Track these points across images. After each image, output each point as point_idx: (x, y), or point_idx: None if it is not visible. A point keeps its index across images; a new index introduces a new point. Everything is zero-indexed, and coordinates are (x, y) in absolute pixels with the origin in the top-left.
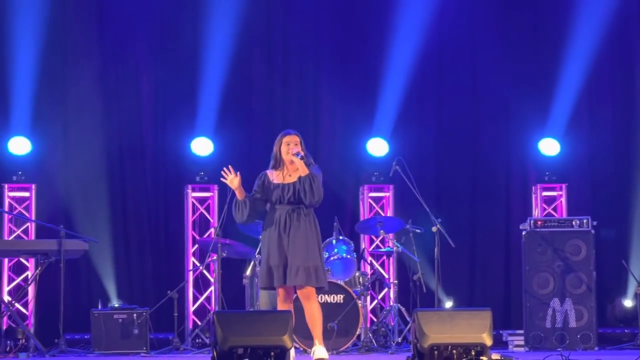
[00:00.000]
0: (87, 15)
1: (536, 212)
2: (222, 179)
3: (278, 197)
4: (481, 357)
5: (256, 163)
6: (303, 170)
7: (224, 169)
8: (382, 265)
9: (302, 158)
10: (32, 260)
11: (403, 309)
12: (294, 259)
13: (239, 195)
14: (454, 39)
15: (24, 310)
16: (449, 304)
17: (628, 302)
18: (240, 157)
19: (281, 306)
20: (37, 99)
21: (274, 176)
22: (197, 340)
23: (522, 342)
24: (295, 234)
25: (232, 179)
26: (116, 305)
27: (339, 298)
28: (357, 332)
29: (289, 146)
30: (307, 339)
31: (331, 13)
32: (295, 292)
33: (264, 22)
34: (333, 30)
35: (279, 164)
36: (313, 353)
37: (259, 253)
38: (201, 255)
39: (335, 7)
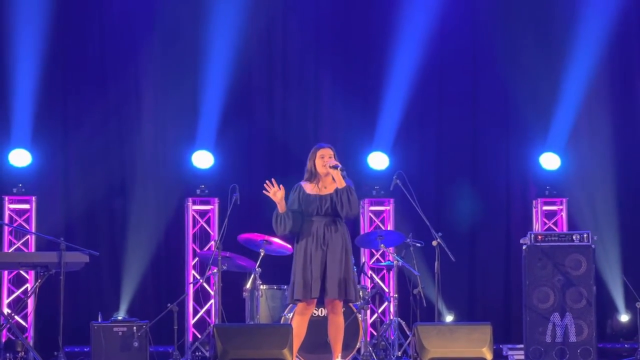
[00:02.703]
0: (88, 27)
1: (537, 227)
2: (264, 191)
3: (315, 209)
4: None
5: (257, 176)
6: (340, 183)
7: (267, 181)
8: (383, 279)
9: (341, 169)
10: (32, 273)
11: (403, 323)
12: (333, 272)
13: (281, 208)
14: (455, 53)
15: (23, 323)
16: (449, 318)
17: (623, 317)
18: (240, 170)
19: (298, 319)
20: (37, 111)
21: (309, 188)
22: (197, 354)
23: (522, 357)
24: (334, 248)
25: (276, 192)
26: (119, 318)
27: None
28: (357, 346)
29: (324, 159)
30: (309, 353)
31: (333, 25)
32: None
33: (265, 35)
34: (334, 43)
35: (313, 177)
36: None
37: (259, 266)
38: (201, 268)
39: (337, 19)
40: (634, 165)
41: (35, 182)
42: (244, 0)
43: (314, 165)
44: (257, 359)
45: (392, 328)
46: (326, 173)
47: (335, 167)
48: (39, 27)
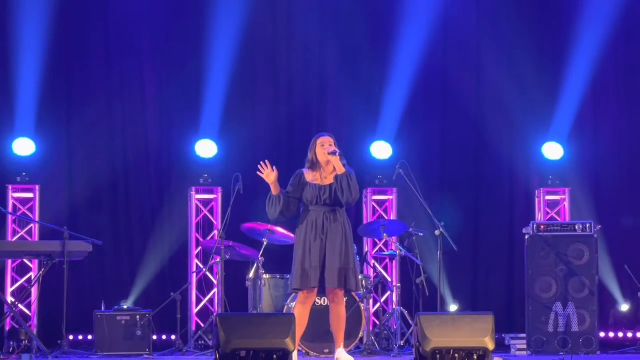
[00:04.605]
0: (92, 17)
1: (539, 216)
2: (258, 172)
3: (314, 198)
4: None
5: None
6: (339, 169)
7: (261, 162)
8: (385, 268)
9: (339, 155)
10: (36, 262)
11: (406, 312)
12: (332, 262)
13: (274, 190)
14: (459, 43)
15: (27, 312)
16: (453, 307)
17: (624, 307)
18: (244, 160)
19: (299, 308)
20: (41, 101)
21: (311, 176)
22: (200, 342)
23: (525, 346)
24: (334, 237)
25: (269, 174)
26: (125, 307)
27: None
28: (360, 335)
29: (324, 147)
30: (311, 342)
31: (336, 16)
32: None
33: (269, 25)
34: (338, 32)
35: (315, 167)
36: (337, 356)
37: (262, 255)
38: (204, 258)
39: (342, 8)
40: (637, 154)
41: (39, 171)
42: None
43: (315, 155)
44: (259, 348)
45: (395, 317)
46: (327, 161)
47: (333, 154)
48: (43, 15)
